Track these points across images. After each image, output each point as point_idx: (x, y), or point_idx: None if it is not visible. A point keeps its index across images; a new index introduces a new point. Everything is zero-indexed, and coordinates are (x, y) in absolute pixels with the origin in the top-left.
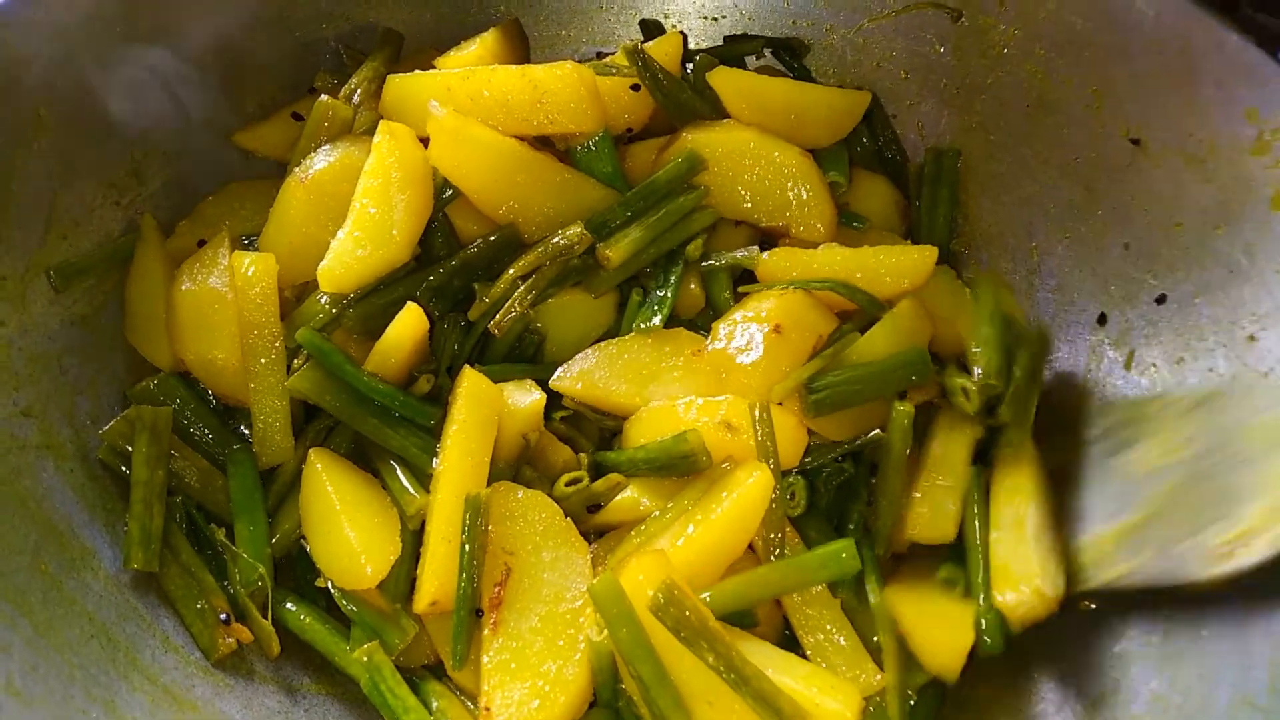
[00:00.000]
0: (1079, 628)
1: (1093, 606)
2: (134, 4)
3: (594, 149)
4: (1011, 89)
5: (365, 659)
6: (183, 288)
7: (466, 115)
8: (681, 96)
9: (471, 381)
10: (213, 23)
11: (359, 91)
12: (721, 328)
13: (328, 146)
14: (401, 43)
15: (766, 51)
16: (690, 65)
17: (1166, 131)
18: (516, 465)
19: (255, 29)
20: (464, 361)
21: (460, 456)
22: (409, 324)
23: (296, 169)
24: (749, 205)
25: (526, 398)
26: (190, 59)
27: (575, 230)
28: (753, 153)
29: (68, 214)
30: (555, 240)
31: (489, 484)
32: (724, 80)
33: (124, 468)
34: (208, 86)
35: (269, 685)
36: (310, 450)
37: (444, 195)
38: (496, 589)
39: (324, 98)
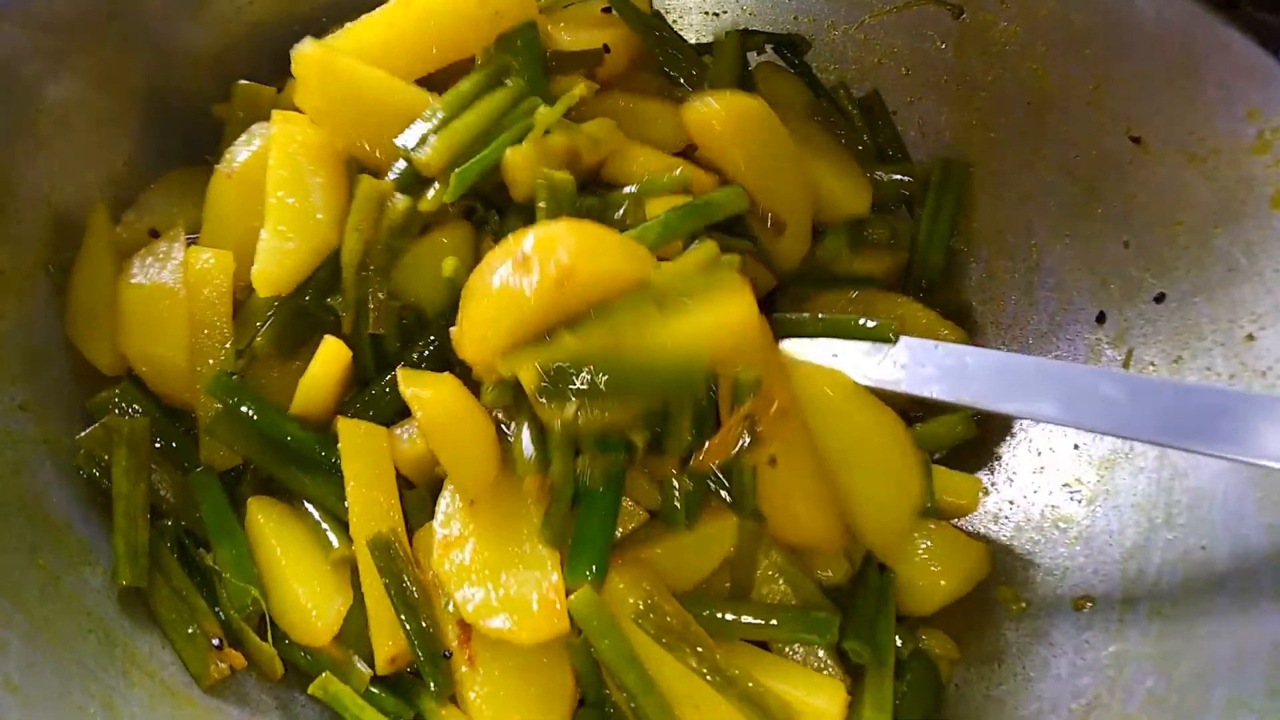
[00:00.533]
0: (1075, 627)
1: (1090, 606)
2: None
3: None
4: (1012, 86)
5: (322, 692)
6: (132, 280)
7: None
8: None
9: (346, 434)
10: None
11: None
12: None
13: (246, 135)
14: None
15: (768, 47)
16: None
17: (1167, 130)
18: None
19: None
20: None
21: (363, 509)
22: (328, 359)
23: (219, 164)
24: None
25: (405, 436)
26: (182, 47)
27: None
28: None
29: (66, 208)
30: (373, 193)
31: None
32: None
33: (102, 479)
34: (198, 72)
35: (265, 682)
36: (249, 500)
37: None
38: (461, 625)
39: (242, 82)
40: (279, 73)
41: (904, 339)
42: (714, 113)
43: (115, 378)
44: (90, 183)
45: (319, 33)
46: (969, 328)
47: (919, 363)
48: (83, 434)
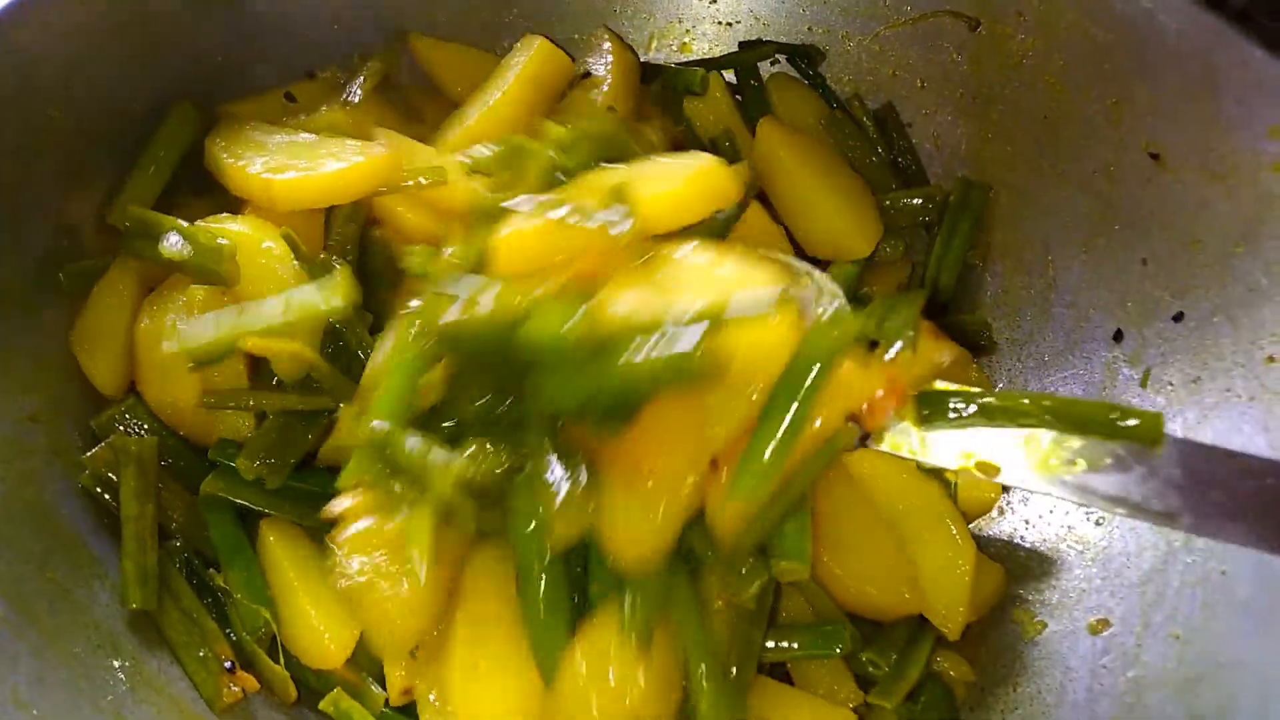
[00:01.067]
0: (1092, 652)
1: (1107, 629)
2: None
3: None
4: (1029, 100)
5: (334, 709)
6: (143, 325)
7: None
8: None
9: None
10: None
11: (359, 90)
12: None
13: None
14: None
15: (782, 58)
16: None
17: (1187, 146)
18: None
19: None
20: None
21: None
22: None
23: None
24: None
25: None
26: (199, 55)
27: None
28: None
29: (79, 216)
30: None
31: None
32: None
33: (109, 499)
34: (216, 81)
35: (276, 704)
36: (261, 522)
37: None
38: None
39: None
40: (285, 79)
41: (1173, 443)
42: None
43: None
44: (103, 191)
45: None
46: (984, 345)
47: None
48: (89, 454)
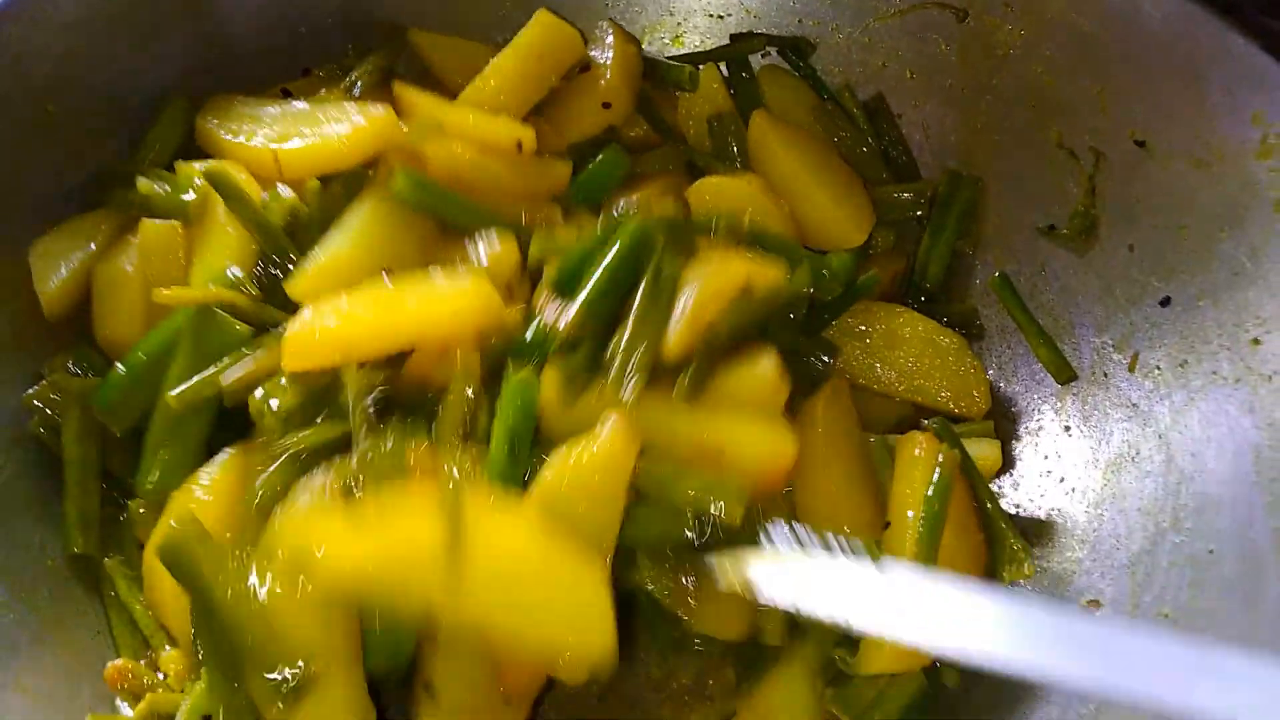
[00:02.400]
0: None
1: (1097, 610)
2: None
3: None
4: (1017, 90)
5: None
6: (104, 263)
7: None
8: None
9: None
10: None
11: (359, 85)
12: None
13: None
14: (404, 35)
15: (772, 51)
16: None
17: (1172, 134)
18: None
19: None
20: None
21: None
22: None
23: None
24: None
25: None
26: (193, 47)
27: None
28: None
29: (76, 210)
30: None
31: None
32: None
33: (54, 446)
34: (212, 77)
35: None
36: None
37: None
38: None
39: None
40: (282, 76)
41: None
42: None
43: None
44: (99, 184)
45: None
46: (974, 333)
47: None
48: (29, 392)
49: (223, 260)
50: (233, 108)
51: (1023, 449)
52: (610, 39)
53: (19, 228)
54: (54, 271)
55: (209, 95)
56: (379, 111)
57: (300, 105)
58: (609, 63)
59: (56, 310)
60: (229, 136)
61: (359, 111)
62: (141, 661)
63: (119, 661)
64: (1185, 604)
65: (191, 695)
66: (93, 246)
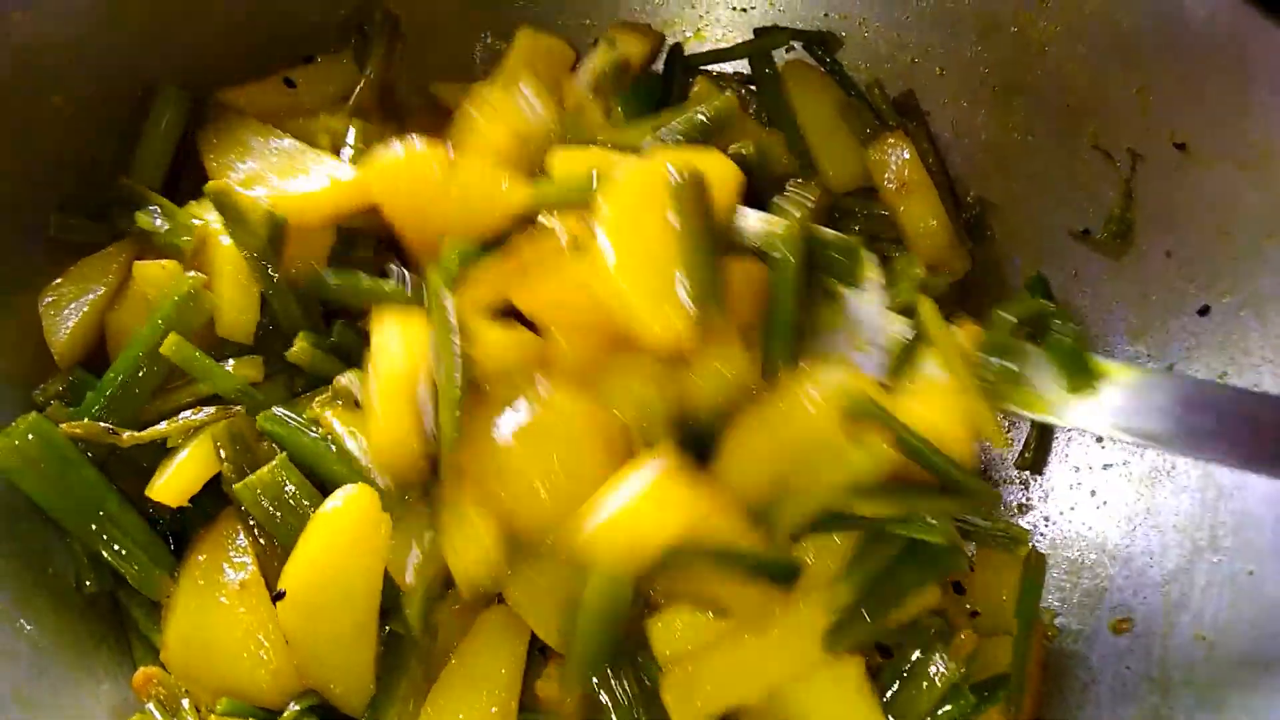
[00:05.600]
0: (1115, 653)
1: (1129, 629)
2: None
3: None
4: (1052, 88)
5: None
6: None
7: None
8: None
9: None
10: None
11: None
12: None
13: None
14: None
15: (797, 45)
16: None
17: (1216, 135)
18: None
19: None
20: None
21: None
22: None
23: None
24: None
25: None
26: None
27: None
28: None
29: (82, 203)
30: None
31: None
32: None
33: None
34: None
35: None
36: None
37: None
38: None
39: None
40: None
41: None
42: None
43: None
44: (105, 174)
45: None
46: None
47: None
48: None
49: None
50: (233, 131)
51: (1052, 460)
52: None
53: (28, 220)
54: (64, 322)
55: (213, 82)
56: (343, 175)
57: (291, 144)
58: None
59: (69, 359)
60: (215, 162)
61: (327, 173)
62: None
63: (148, 669)
64: (1223, 625)
65: None
66: (101, 290)
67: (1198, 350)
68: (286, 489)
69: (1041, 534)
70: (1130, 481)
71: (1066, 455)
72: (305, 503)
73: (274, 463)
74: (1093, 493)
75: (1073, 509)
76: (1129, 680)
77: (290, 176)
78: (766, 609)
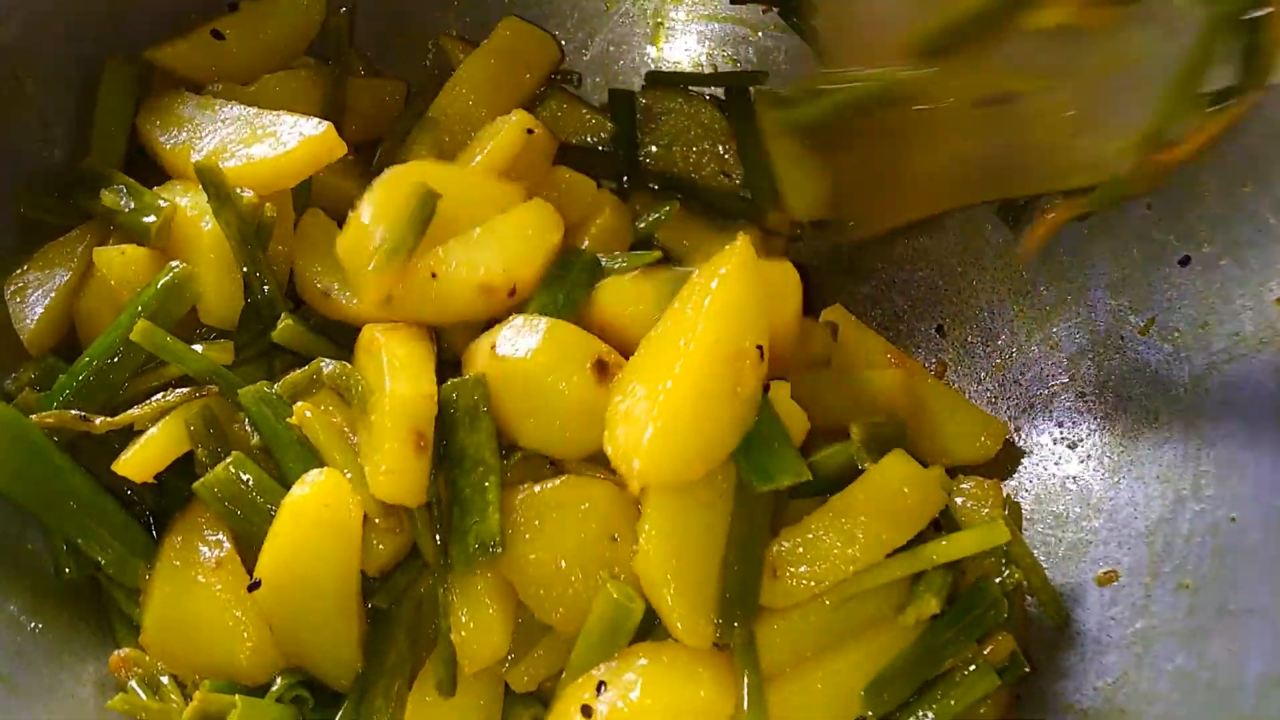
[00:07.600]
0: (1099, 603)
1: (1114, 580)
2: None
3: None
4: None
5: None
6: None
7: None
8: None
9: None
10: None
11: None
12: None
13: None
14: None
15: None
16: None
17: None
18: None
19: None
20: None
21: None
22: None
23: None
24: None
25: None
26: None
27: None
28: None
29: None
30: None
31: None
32: None
33: None
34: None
35: None
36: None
37: None
38: None
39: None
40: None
41: None
42: None
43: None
44: (74, 155)
45: None
46: None
47: None
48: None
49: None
50: (173, 108)
51: (1035, 414)
52: None
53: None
54: (31, 309)
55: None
56: (313, 130)
57: (240, 110)
58: None
59: (39, 346)
60: (168, 143)
61: (296, 131)
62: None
63: (124, 651)
64: (1206, 573)
65: None
66: (68, 275)
67: (1180, 301)
68: (245, 483)
69: (1026, 489)
70: (1114, 434)
71: (1050, 410)
72: (265, 497)
73: (228, 460)
74: (1074, 445)
75: (1056, 463)
76: (1113, 629)
77: (256, 143)
78: None
